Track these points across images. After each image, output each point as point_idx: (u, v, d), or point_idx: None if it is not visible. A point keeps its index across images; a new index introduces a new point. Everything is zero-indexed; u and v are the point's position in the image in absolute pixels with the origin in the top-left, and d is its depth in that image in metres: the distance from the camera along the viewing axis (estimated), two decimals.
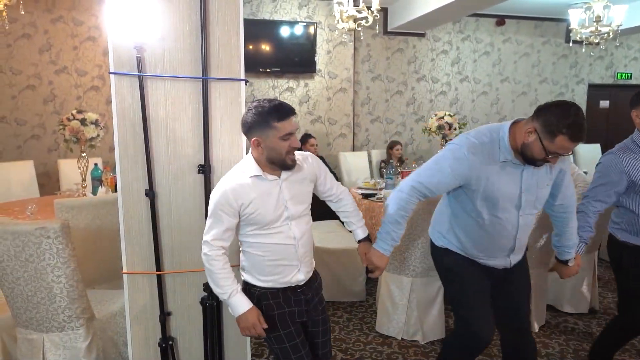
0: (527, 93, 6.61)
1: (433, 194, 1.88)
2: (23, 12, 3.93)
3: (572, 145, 1.61)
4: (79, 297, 2.10)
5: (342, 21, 4.16)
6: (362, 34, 4.25)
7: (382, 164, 5.28)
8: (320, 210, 3.96)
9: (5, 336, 2.28)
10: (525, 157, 1.72)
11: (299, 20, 5.52)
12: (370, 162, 5.53)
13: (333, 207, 1.95)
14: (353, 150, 5.87)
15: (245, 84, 1.98)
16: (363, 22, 4.19)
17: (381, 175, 5.09)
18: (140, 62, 1.81)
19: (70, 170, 4.60)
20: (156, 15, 1.82)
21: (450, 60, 6.27)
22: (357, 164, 5.27)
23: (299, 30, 5.47)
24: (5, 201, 4.12)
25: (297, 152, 1.71)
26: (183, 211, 1.95)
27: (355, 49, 5.76)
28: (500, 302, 2.01)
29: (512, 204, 1.79)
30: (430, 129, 4.28)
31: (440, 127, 4.17)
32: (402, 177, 4.17)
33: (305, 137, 4.92)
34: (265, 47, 5.45)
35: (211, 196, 1.64)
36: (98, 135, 3.51)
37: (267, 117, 1.57)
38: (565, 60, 6.68)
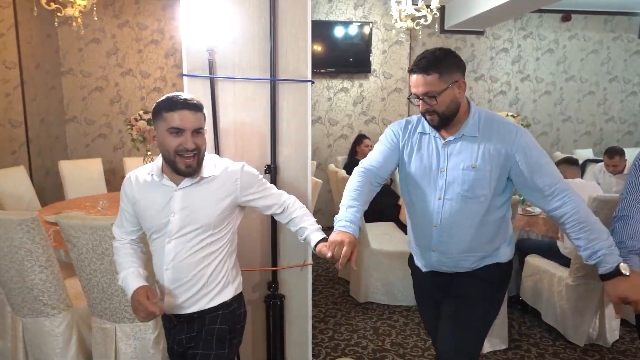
0: (595, 92, 6.23)
1: (371, 169, 1.67)
2: (96, 18, 4.15)
3: (414, 79, 1.49)
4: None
5: (400, 20, 4.10)
6: (420, 33, 4.16)
7: None
8: (375, 211, 3.90)
9: (81, 324, 2.41)
10: None
11: (354, 20, 5.50)
12: None
13: (279, 219, 1.66)
14: None
15: (312, 85, 1.99)
16: (422, 21, 4.11)
17: None
18: (211, 65, 1.86)
19: (134, 167, 4.82)
20: (228, 19, 1.86)
21: (511, 58, 6.02)
22: None
23: (353, 30, 5.45)
24: (77, 196, 4.38)
25: (223, 162, 1.54)
26: (249, 211, 1.98)
27: (410, 48, 5.67)
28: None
29: (430, 182, 1.58)
30: None
31: None
32: None
33: (360, 138, 4.89)
34: (320, 48, 5.46)
35: None
36: None
37: (160, 106, 1.42)
38: (638, 57, 6.24)
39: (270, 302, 2.01)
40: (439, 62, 1.46)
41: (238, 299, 1.61)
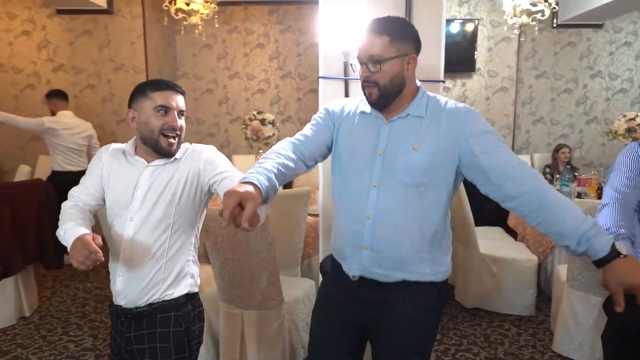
0: None
1: (306, 144, 1.41)
2: (217, 25, 4.46)
3: (363, 41, 1.32)
4: (274, 281, 2.32)
5: (515, 16, 3.91)
6: (536, 28, 3.94)
7: (547, 169, 4.85)
8: (483, 215, 3.77)
9: (209, 309, 2.62)
10: None
11: (457, 17, 5.35)
12: (532, 166, 5.10)
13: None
14: None
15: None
16: (538, 16, 3.89)
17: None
18: (346, 67, 1.92)
19: (241, 164, 5.12)
20: (364, 22, 1.91)
21: (635, 53, 5.48)
22: None
23: (455, 28, 5.30)
24: None
25: (193, 145, 1.55)
26: None
27: (519, 45, 5.38)
28: None
29: (365, 167, 1.36)
30: (616, 132, 3.79)
31: (629, 130, 3.67)
32: (579, 185, 3.78)
33: None
34: None
35: None
36: (273, 134, 3.84)
37: (145, 86, 1.44)
38: None
39: None
40: (394, 27, 1.30)
41: (192, 299, 1.55)
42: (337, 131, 1.44)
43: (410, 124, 1.34)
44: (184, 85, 5.88)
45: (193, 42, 5.78)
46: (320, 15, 1.92)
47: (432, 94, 1.39)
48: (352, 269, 1.40)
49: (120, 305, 1.49)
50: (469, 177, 1.34)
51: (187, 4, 3.92)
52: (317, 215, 2.63)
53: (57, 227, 1.45)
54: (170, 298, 1.48)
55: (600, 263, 1.18)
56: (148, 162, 1.48)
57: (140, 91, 1.44)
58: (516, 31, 3.96)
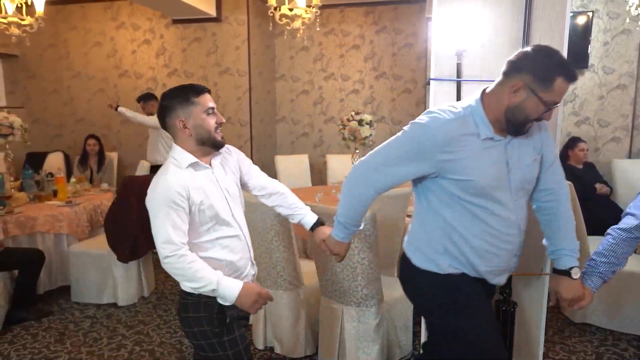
0: None
1: (391, 185, 1.55)
2: (318, 29, 4.61)
3: (564, 87, 1.39)
4: (375, 279, 2.35)
5: None
6: None
7: None
8: (596, 225, 3.49)
9: (312, 301, 2.73)
10: (515, 122, 1.43)
11: (571, 10, 4.97)
12: None
13: (268, 203, 1.83)
14: (629, 157, 4.99)
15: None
16: None
17: None
18: (459, 68, 1.90)
19: (334, 164, 5.24)
20: (479, 24, 1.88)
21: None
22: (638, 174, 4.47)
23: None
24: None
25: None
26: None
27: None
28: None
29: (503, 187, 1.48)
30: None
31: None
32: None
33: (574, 141, 4.42)
34: None
35: (151, 197, 1.52)
36: (370, 135, 3.88)
37: (186, 93, 1.53)
38: None
39: (503, 307, 1.97)
40: None
41: None
42: (451, 161, 1.43)
43: (521, 138, 1.50)
44: (281, 87, 6.18)
45: (291, 46, 6.01)
46: (434, 16, 1.92)
47: None
48: (500, 280, 1.62)
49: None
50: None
51: (291, 10, 4.09)
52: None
53: None
54: None
55: (556, 271, 1.62)
56: (210, 165, 1.63)
57: (184, 99, 1.54)
58: None
